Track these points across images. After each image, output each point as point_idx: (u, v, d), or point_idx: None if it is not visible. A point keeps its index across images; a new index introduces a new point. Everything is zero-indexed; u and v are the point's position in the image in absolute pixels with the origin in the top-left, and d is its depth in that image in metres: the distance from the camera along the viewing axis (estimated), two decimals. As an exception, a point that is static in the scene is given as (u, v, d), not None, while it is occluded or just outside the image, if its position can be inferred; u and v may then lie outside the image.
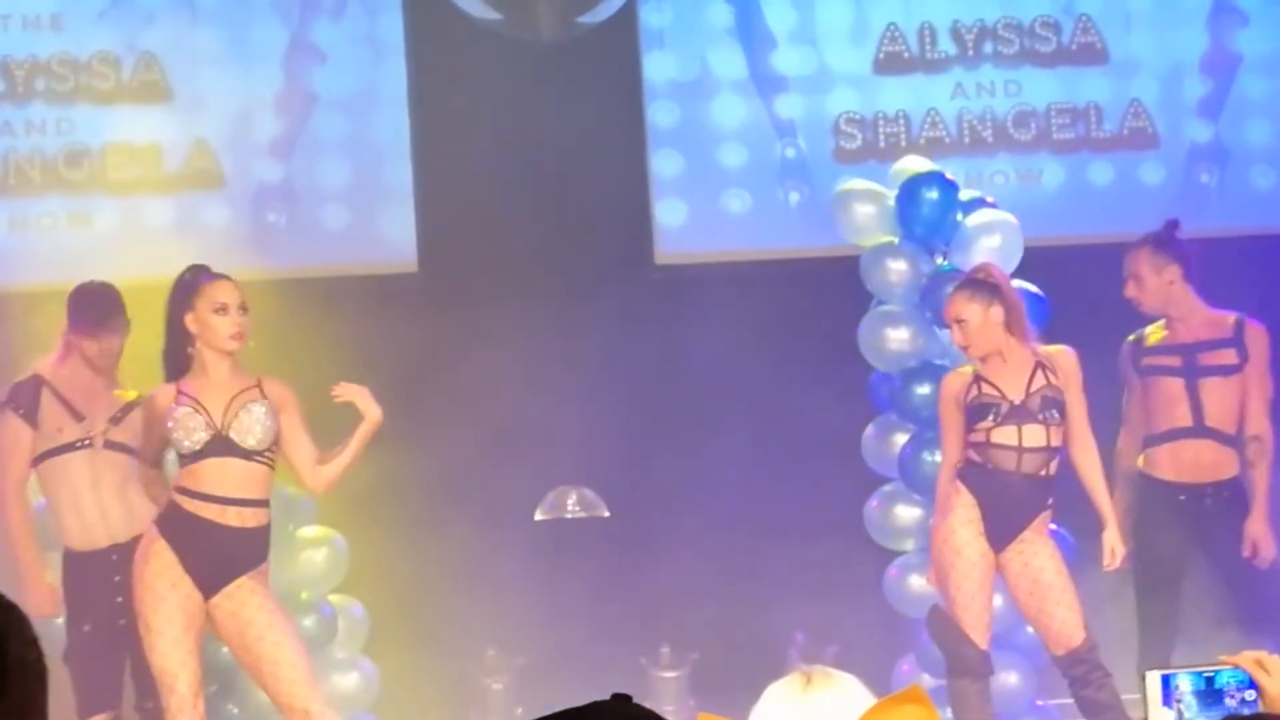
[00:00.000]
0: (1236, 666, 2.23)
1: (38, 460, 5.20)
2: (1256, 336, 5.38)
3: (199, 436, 4.65)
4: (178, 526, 4.68)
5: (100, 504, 5.12)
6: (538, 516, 6.48)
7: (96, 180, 6.59)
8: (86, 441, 5.14)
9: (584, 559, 6.37)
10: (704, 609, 6.31)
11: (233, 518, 4.66)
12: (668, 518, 6.42)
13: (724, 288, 6.69)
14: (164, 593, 4.62)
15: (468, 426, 6.38)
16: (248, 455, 4.66)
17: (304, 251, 6.56)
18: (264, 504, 4.72)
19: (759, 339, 6.56)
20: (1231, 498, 5.34)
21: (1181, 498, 5.32)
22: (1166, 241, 5.41)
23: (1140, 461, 5.42)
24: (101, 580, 5.07)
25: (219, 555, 4.66)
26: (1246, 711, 2.19)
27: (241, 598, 4.64)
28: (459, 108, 6.67)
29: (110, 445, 5.16)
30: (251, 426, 4.66)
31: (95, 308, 5.29)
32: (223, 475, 4.66)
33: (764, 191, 6.87)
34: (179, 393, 4.72)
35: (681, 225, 6.89)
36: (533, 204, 6.63)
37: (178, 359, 4.78)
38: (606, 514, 6.47)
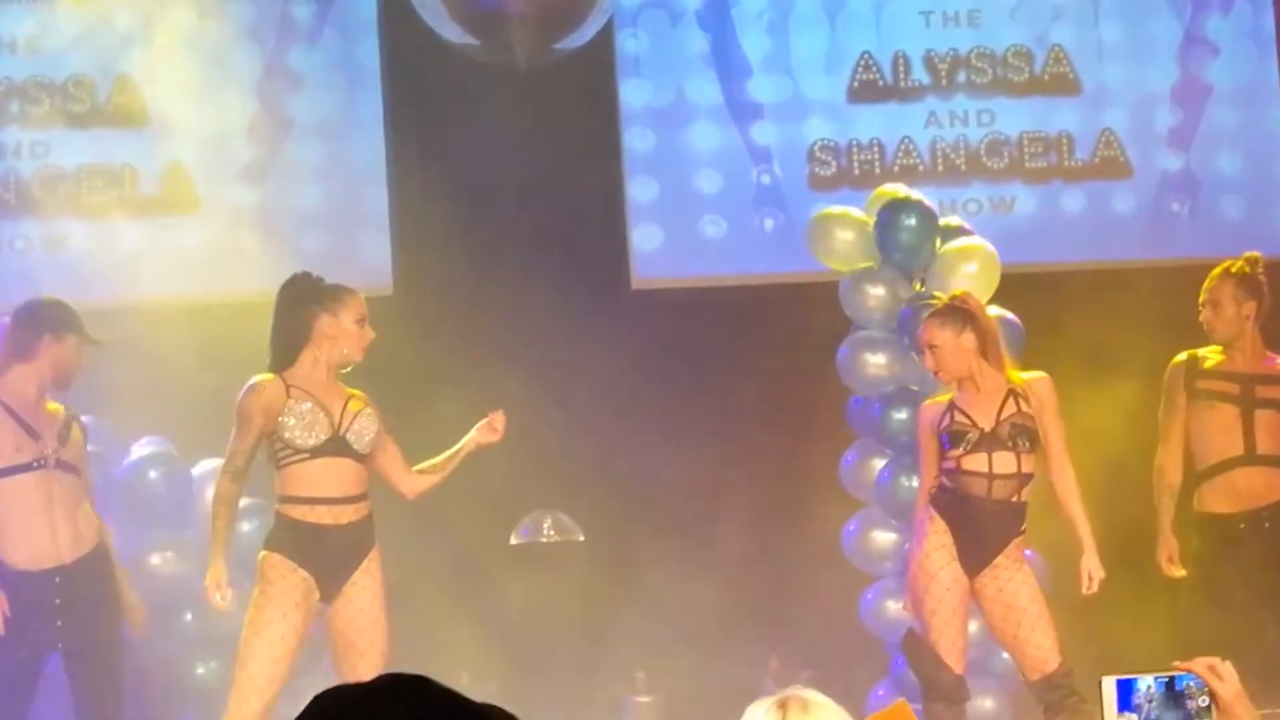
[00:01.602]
0: (1190, 672, 2.25)
1: None
2: None
3: (320, 435, 4.70)
4: (289, 535, 4.70)
5: (52, 525, 5.09)
6: (513, 541, 6.47)
7: (71, 203, 6.58)
8: (41, 461, 5.11)
9: (559, 583, 6.37)
10: (679, 633, 6.32)
11: (350, 514, 4.77)
12: (642, 541, 6.43)
13: (700, 312, 6.71)
14: (287, 610, 4.63)
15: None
16: (358, 458, 4.78)
17: (280, 275, 6.55)
18: (367, 496, 4.87)
19: (735, 364, 6.59)
20: None
21: (1241, 526, 5.36)
22: (1250, 276, 5.49)
23: (1194, 502, 5.45)
24: (42, 602, 5.04)
25: (337, 556, 4.75)
26: (1206, 718, 2.21)
27: (355, 594, 4.79)
28: (435, 133, 6.69)
29: (60, 465, 5.14)
30: (365, 431, 4.80)
31: (70, 315, 5.28)
32: (339, 476, 4.74)
33: (739, 217, 6.90)
34: (289, 387, 4.71)
35: (657, 250, 6.92)
36: (509, 228, 6.65)
37: (286, 355, 4.76)
38: (581, 538, 6.47)
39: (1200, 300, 5.50)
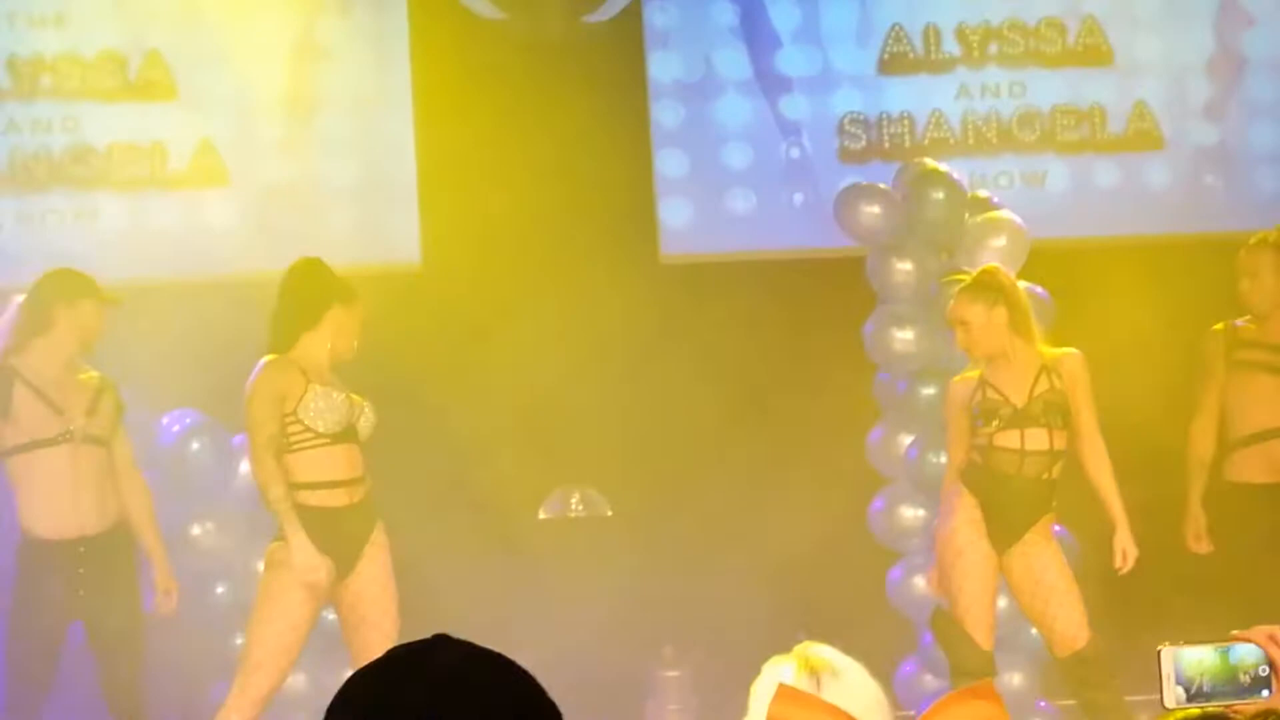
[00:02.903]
0: (1250, 641, 2.22)
1: (10, 452, 5.18)
2: None
3: (340, 421, 4.74)
4: (306, 523, 4.75)
5: (75, 497, 5.12)
6: (541, 515, 6.48)
7: (102, 178, 6.60)
8: (66, 435, 5.13)
9: (587, 557, 6.37)
10: (706, 608, 6.31)
11: (360, 492, 4.85)
12: (671, 516, 6.42)
13: (728, 287, 6.69)
14: (302, 595, 4.65)
15: (470, 424, 6.38)
16: (359, 442, 4.87)
17: (308, 250, 6.55)
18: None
19: (763, 339, 6.56)
20: None
21: (1271, 498, 5.32)
22: None
23: (1226, 470, 5.41)
24: (65, 572, 5.07)
25: (350, 535, 4.75)
26: (1264, 691, 2.18)
27: (364, 567, 4.82)
28: (464, 107, 6.67)
29: (88, 438, 5.16)
30: (372, 421, 4.89)
31: (80, 280, 5.29)
32: (349, 459, 4.82)
33: (768, 191, 6.87)
34: (304, 370, 4.74)
35: (686, 225, 6.89)
36: (537, 202, 6.63)
37: (288, 336, 4.77)
38: (609, 513, 6.47)
39: (1238, 271, 5.45)
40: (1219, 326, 5.46)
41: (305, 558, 4.70)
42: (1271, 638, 2.21)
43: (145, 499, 5.26)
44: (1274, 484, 5.34)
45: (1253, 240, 5.50)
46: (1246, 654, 2.19)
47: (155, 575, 5.23)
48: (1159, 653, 2.18)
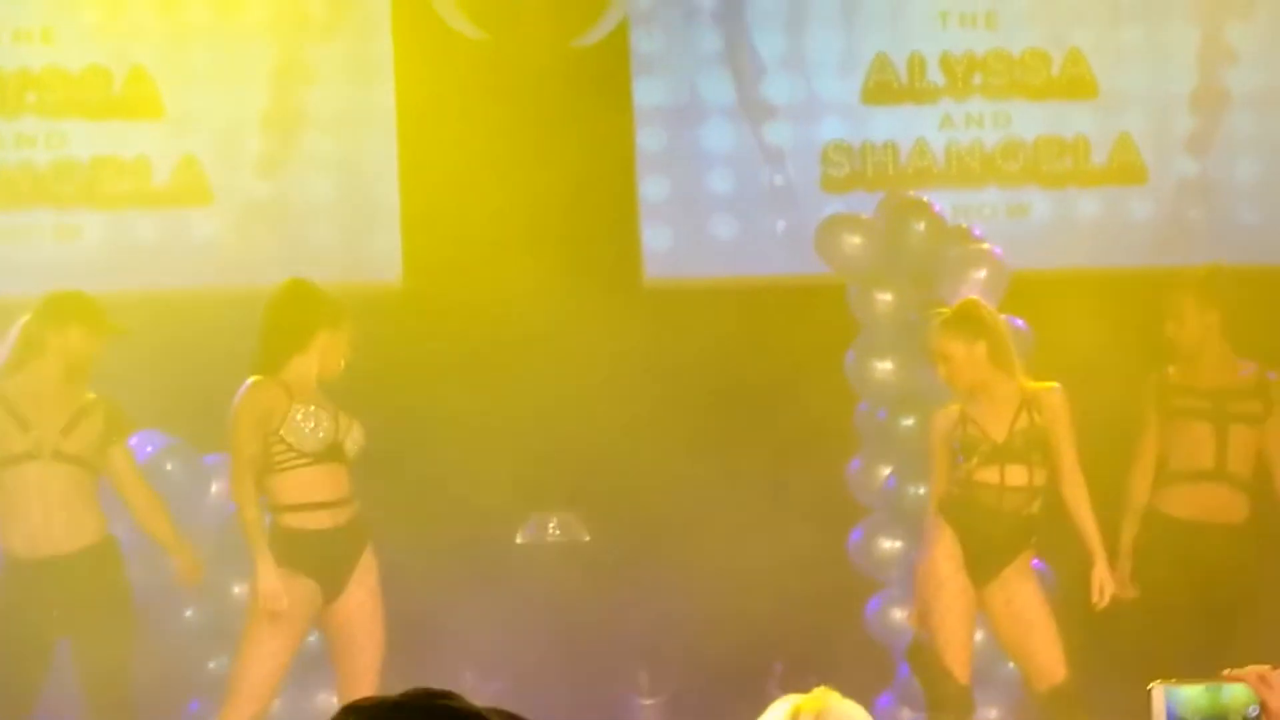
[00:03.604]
0: (1241, 681, 2.23)
1: None
2: (1277, 388, 5.48)
3: (324, 440, 4.70)
4: (291, 546, 4.68)
5: (46, 514, 5.11)
6: (519, 539, 6.47)
7: (85, 193, 6.59)
8: (31, 453, 5.12)
9: (565, 582, 6.36)
10: (684, 636, 6.31)
11: (346, 514, 4.81)
12: (650, 542, 6.41)
13: (710, 312, 6.69)
14: (279, 623, 4.68)
15: (449, 444, 6.37)
16: (347, 463, 4.81)
17: (290, 267, 6.54)
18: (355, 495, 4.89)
19: (745, 365, 6.57)
20: (1242, 541, 5.41)
21: (1193, 535, 5.38)
22: (1212, 286, 5.49)
23: (1154, 499, 5.46)
24: (40, 589, 5.06)
25: (337, 557, 4.71)
26: None
27: (353, 590, 4.77)
28: (448, 127, 6.67)
29: (60, 456, 5.14)
30: (359, 441, 4.87)
31: (76, 307, 5.28)
32: (334, 479, 4.77)
33: (751, 217, 6.88)
34: (290, 390, 4.73)
35: (669, 249, 6.90)
36: (520, 224, 6.63)
37: (276, 358, 4.76)
38: (587, 538, 6.47)
39: (1164, 315, 5.50)
40: (1153, 376, 5.52)
41: (267, 585, 4.69)
42: (1262, 679, 2.22)
43: (155, 505, 5.25)
44: (1199, 522, 5.39)
45: (1178, 283, 5.55)
46: (1237, 694, 2.20)
47: (181, 557, 5.23)
48: (1150, 690, 2.19)
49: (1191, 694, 2.19)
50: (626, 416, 6.52)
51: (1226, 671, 2.26)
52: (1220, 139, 6.97)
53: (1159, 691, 2.19)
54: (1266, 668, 2.26)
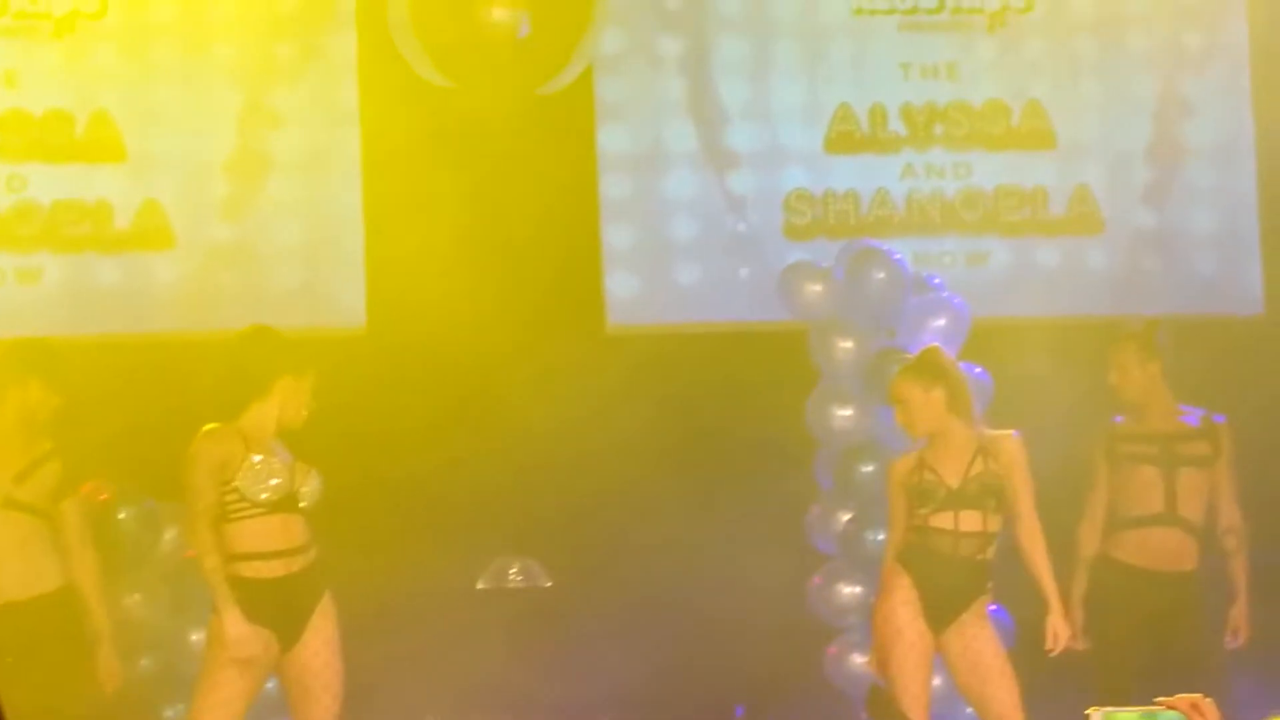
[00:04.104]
0: (1174, 709, 2.26)
1: None
2: (1224, 432, 5.56)
3: (278, 490, 4.68)
4: (245, 595, 4.69)
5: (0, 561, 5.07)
6: (480, 585, 6.46)
7: (46, 237, 6.58)
8: None
9: (524, 628, 6.35)
10: (646, 680, 6.30)
11: (300, 562, 4.79)
12: (610, 588, 6.42)
13: (674, 358, 6.72)
14: (237, 670, 4.65)
15: (412, 489, 6.37)
16: (302, 512, 4.82)
17: (252, 312, 6.54)
18: (313, 543, 4.88)
19: (708, 411, 6.59)
20: (1193, 588, 5.46)
21: (1144, 583, 5.43)
22: (1153, 337, 5.58)
23: (1106, 545, 5.50)
24: None
25: (292, 605, 4.73)
26: None
27: (310, 639, 4.75)
28: (413, 172, 6.70)
29: (11, 504, 5.11)
30: (316, 490, 4.84)
31: (34, 359, 5.26)
32: (288, 529, 4.77)
33: (714, 264, 6.92)
34: (246, 439, 4.71)
35: (633, 295, 6.93)
36: (484, 271, 6.65)
37: (235, 406, 4.80)
38: (548, 584, 6.46)
39: (1108, 365, 5.57)
40: (1100, 429, 5.58)
41: (235, 631, 4.66)
42: (1194, 706, 2.26)
43: (89, 575, 5.20)
44: (1151, 569, 5.44)
45: (1119, 334, 5.64)
46: None
47: (100, 654, 5.17)
48: (1087, 715, 2.23)
49: (1127, 718, 2.24)
50: (589, 462, 6.53)
51: (1159, 699, 2.30)
52: (1176, 190, 7.06)
53: (1096, 717, 2.24)
54: (1199, 696, 2.30)
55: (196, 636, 5.30)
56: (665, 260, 6.91)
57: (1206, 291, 6.99)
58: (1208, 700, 2.30)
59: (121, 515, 5.74)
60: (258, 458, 4.73)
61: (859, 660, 5.57)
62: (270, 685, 5.08)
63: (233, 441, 4.75)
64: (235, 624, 4.65)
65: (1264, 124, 7.07)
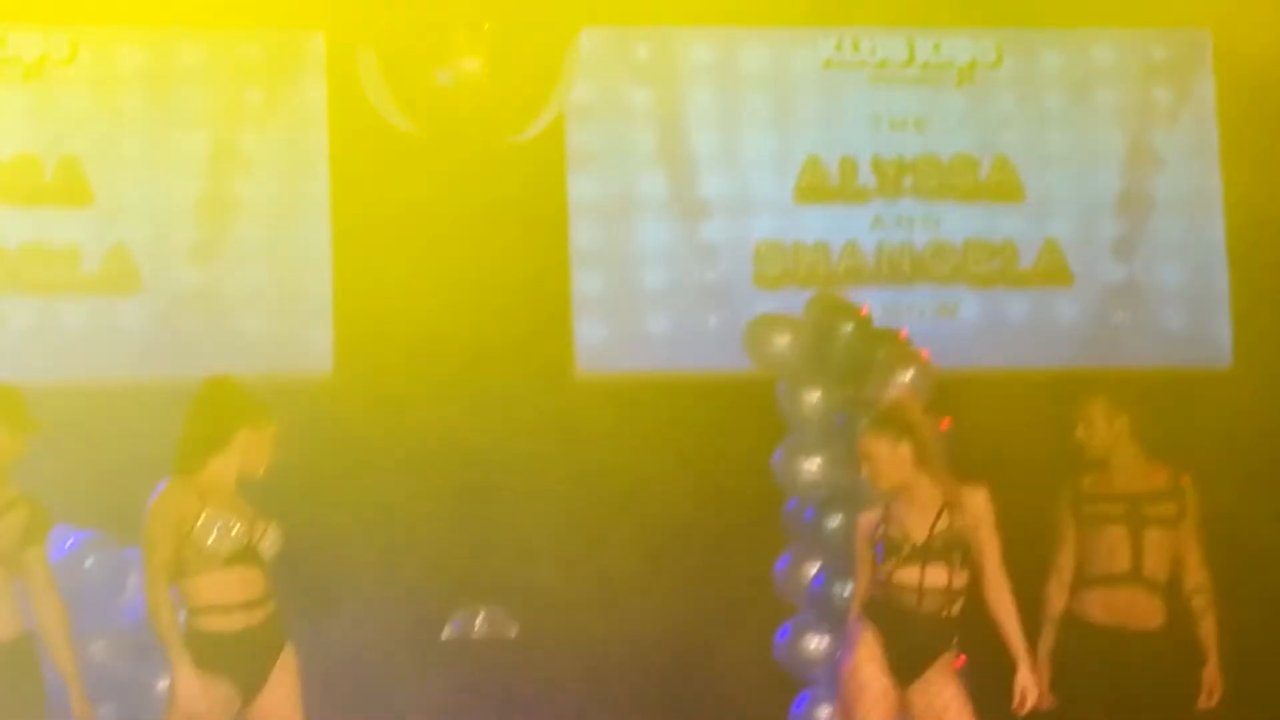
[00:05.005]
0: None
1: None
2: (1191, 491, 5.55)
3: (236, 543, 4.66)
4: (205, 648, 4.66)
5: None
6: (445, 634, 6.43)
7: (12, 280, 6.55)
8: None
9: (490, 677, 6.32)
10: (612, 730, 6.27)
11: (260, 614, 4.77)
12: (577, 635, 6.39)
13: (642, 405, 6.72)
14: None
15: (377, 536, 6.34)
16: (262, 565, 4.79)
17: (220, 358, 6.52)
18: (273, 594, 4.86)
19: (675, 459, 6.59)
20: (1159, 647, 5.44)
21: (1110, 641, 5.41)
22: (1120, 392, 5.57)
23: (1072, 603, 5.49)
24: None
25: (254, 658, 4.71)
26: None
27: (271, 690, 4.74)
28: (382, 219, 6.69)
29: None
30: (275, 543, 4.82)
31: (15, 405, 5.23)
32: (248, 581, 4.75)
33: (684, 313, 6.92)
34: (201, 493, 4.69)
35: (602, 342, 6.93)
36: (453, 316, 6.65)
37: (196, 458, 4.75)
38: (514, 632, 6.43)
39: (1075, 419, 5.57)
40: (1065, 485, 5.58)
41: (185, 687, 4.63)
42: None
43: (58, 620, 5.15)
44: (1117, 628, 5.44)
45: (1090, 389, 5.63)
46: None
47: (70, 699, 5.12)
48: None
49: None
50: (556, 510, 6.51)
51: None
52: (1145, 244, 7.09)
53: None
54: None
55: (162, 684, 5.25)
56: (635, 308, 6.91)
57: (1175, 345, 7.02)
58: None
59: (88, 562, 5.69)
60: (216, 512, 4.70)
61: (825, 713, 5.54)
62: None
63: (190, 495, 4.72)
64: (186, 681, 4.62)
65: (1232, 178, 7.12)
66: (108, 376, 6.47)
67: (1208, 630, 5.53)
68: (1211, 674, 5.50)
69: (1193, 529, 5.54)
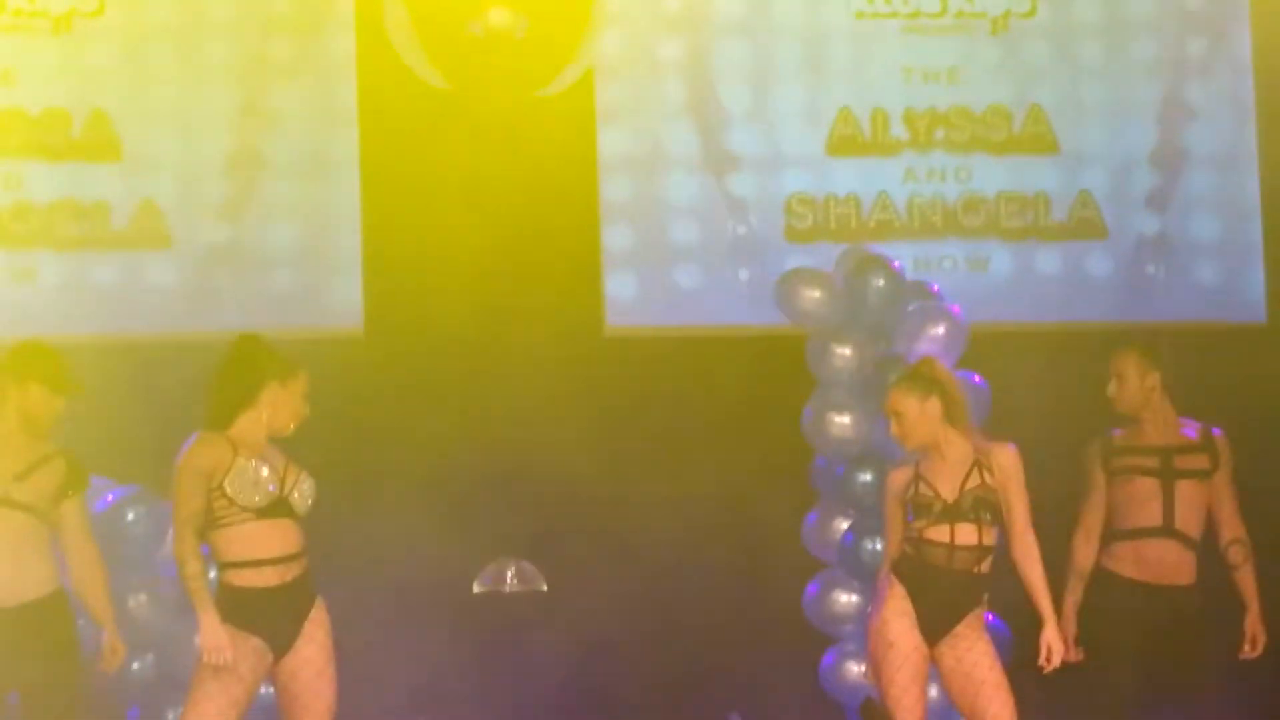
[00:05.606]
0: None
1: None
2: (1224, 445, 5.52)
3: (266, 495, 4.66)
4: (236, 603, 4.66)
5: None
6: (475, 589, 6.45)
7: (42, 236, 6.56)
8: None
9: (522, 628, 6.34)
10: (639, 686, 6.29)
11: (294, 570, 4.76)
12: (607, 592, 6.40)
13: (672, 361, 6.71)
14: (224, 679, 4.63)
15: (409, 491, 6.36)
16: (296, 518, 4.79)
17: (249, 313, 6.53)
18: (306, 551, 4.85)
19: (705, 414, 6.58)
20: (1190, 602, 5.43)
21: (1140, 596, 5.40)
22: (1153, 347, 5.54)
23: (1102, 558, 5.47)
24: None
25: (285, 613, 4.71)
26: None
27: (302, 646, 4.73)
28: (411, 174, 6.68)
29: (9, 503, 5.10)
30: (308, 494, 4.81)
31: (38, 362, 5.25)
32: (281, 535, 4.75)
33: (714, 268, 6.89)
34: (234, 445, 4.71)
35: (632, 298, 6.91)
36: (482, 272, 6.64)
37: (226, 414, 4.75)
38: (545, 587, 6.45)
39: (1109, 374, 5.53)
40: (1096, 440, 5.55)
41: (211, 639, 4.65)
42: None
43: (95, 572, 5.19)
44: (1148, 584, 5.41)
45: (1122, 344, 5.59)
46: None
47: (104, 637, 5.17)
48: None
49: None
50: (586, 465, 6.52)
51: None
52: (1179, 197, 7.02)
53: None
54: None
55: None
56: (665, 263, 6.89)
57: (1209, 299, 6.96)
58: None
59: (129, 516, 5.73)
60: (248, 463, 4.72)
61: (855, 670, 5.55)
62: (265, 691, 5.07)
63: (221, 449, 4.74)
64: (212, 633, 4.64)
65: (1267, 130, 7.04)
66: (138, 332, 6.49)
67: (1246, 580, 5.50)
68: (1254, 623, 5.48)
69: (1226, 481, 5.50)
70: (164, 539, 5.74)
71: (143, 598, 5.69)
